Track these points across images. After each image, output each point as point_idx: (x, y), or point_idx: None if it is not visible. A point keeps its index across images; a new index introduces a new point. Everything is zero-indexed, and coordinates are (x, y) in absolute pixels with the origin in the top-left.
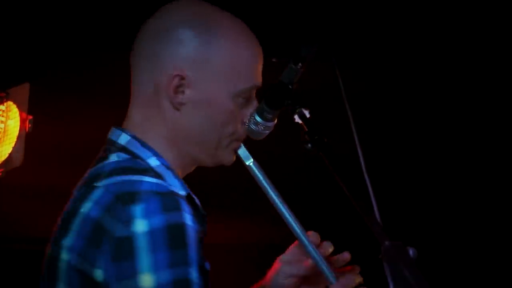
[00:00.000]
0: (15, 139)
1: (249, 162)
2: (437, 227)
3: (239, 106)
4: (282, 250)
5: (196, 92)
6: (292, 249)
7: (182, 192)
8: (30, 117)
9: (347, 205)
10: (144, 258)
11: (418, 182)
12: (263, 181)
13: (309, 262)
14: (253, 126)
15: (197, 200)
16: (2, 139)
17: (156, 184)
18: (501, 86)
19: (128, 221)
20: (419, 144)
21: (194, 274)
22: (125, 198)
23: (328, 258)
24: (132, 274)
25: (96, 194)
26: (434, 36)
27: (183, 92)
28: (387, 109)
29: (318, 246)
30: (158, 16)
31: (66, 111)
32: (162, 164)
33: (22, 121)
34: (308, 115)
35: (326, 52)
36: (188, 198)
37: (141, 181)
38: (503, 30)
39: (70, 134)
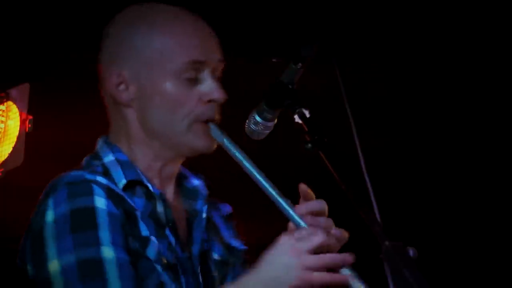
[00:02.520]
0: (15, 139)
1: (221, 139)
2: (437, 227)
3: (186, 86)
4: None
5: (138, 85)
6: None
7: (123, 181)
8: (30, 117)
9: (347, 205)
10: (50, 245)
11: (418, 182)
12: (238, 155)
13: (290, 225)
14: (253, 126)
15: (150, 186)
16: (2, 139)
17: (74, 175)
18: (501, 86)
19: (42, 214)
20: (419, 144)
21: (109, 253)
22: (46, 193)
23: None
24: (43, 262)
25: (40, 198)
26: (434, 36)
27: (127, 89)
28: (387, 109)
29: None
30: (104, 28)
31: (66, 111)
32: (117, 158)
33: (22, 121)
34: (308, 115)
35: (326, 52)
36: (140, 186)
37: (66, 175)
38: (503, 30)
39: (70, 134)
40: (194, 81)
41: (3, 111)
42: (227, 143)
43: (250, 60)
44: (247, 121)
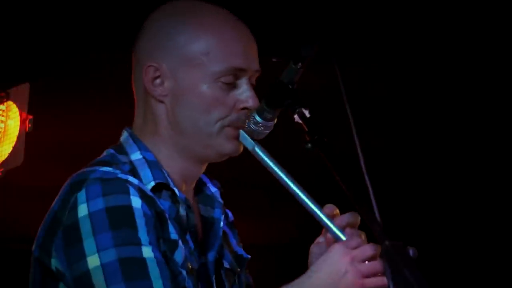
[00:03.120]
0: (15, 139)
1: (252, 146)
2: (437, 227)
3: (224, 90)
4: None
5: (175, 81)
6: (323, 232)
7: (151, 183)
8: (30, 117)
9: (347, 205)
10: (88, 240)
11: (418, 182)
12: (270, 163)
13: (328, 236)
14: (253, 126)
15: (176, 190)
16: (2, 139)
17: (105, 172)
18: (501, 86)
19: (74, 208)
20: (419, 144)
21: (149, 252)
22: (74, 187)
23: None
24: (80, 257)
25: (63, 187)
26: (434, 36)
27: (162, 84)
28: (387, 109)
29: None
30: (147, 17)
31: (66, 111)
32: (144, 157)
33: (22, 121)
34: (308, 115)
35: (326, 52)
36: (166, 189)
37: (94, 170)
38: (503, 30)
39: (70, 134)
40: (231, 86)
41: (3, 111)
42: (258, 150)
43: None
44: (247, 121)
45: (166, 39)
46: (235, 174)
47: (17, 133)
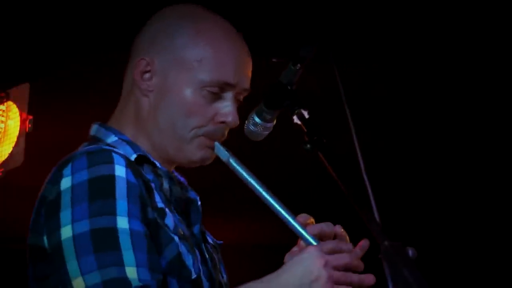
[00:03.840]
0: (15, 139)
1: (227, 158)
2: (437, 227)
3: (207, 100)
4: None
5: (163, 80)
6: (300, 241)
7: (133, 155)
8: (30, 117)
9: (347, 206)
10: (65, 212)
11: (418, 182)
12: (244, 174)
13: (301, 243)
14: (252, 127)
15: (157, 163)
16: (2, 139)
17: (90, 147)
18: (501, 86)
19: (57, 182)
20: (418, 144)
21: (123, 223)
22: (61, 165)
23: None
24: (56, 228)
25: (49, 175)
26: (433, 36)
27: (150, 79)
28: (386, 109)
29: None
30: (153, 16)
31: (66, 111)
32: (120, 138)
33: (22, 121)
34: (307, 116)
35: (325, 53)
36: (147, 163)
37: (81, 149)
38: (503, 30)
39: (70, 134)
40: (215, 97)
41: (3, 111)
42: (232, 162)
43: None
44: (246, 122)
45: (163, 38)
46: (219, 176)
47: (17, 133)
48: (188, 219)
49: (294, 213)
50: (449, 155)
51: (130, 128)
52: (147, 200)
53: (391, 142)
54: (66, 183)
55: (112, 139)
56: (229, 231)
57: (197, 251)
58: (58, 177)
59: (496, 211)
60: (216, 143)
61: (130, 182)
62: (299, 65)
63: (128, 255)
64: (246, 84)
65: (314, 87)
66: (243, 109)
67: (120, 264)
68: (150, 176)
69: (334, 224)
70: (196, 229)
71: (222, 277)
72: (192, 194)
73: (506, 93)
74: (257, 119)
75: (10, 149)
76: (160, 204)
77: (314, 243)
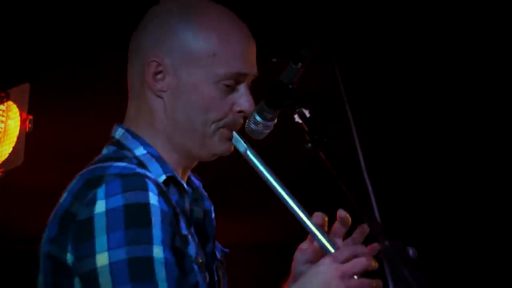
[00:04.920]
0: (15, 139)
1: (244, 149)
2: (437, 227)
3: (223, 92)
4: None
5: (176, 78)
6: (308, 237)
7: (162, 177)
8: (30, 117)
9: (347, 205)
10: (100, 237)
11: (418, 182)
12: (261, 167)
13: (315, 245)
14: (253, 126)
15: (184, 184)
16: (2, 139)
17: (123, 167)
18: (501, 86)
19: (90, 203)
20: (419, 144)
21: (159, 253)
22: (91, 183)
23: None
24: (90, 253)
25: (72, 183)
26: (433, 36)
27: (163, 79)
28: (387, 109)
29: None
30: (148, 10)
31: (66, 111)
32: (149, 152)
33: (22, 121)
34: (308, 115)
35: (326, 52)
36: (173, 183)
37: (110, 166)
38: (503, 30)
39: (70, 134)
40: (231, 89)
41: (3, 111)
42: (250, 153)
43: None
44: (247, 120)
45: (170, 35)
46: (229, 172)
47: (17, 133)
48: (203, 233)
49: (291, 217)
50: (450, 155)
51: (149, 133)
52: (176, 228)
53: (392, 142)
54: (100, 206)
55: (140, 151)
56: (230, 230)
57: (207, 276)
58: (91, 196)
59: (496, 211)
60: (235, 134)
61: (163, 210)
62: (300, 64)
63: (163, 286)
64: (255, 69)
65: (315, 87)
66: None
67: None
68: (174, 197)
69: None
70: (209, 247)
71: None
72: (207, 204)
73: (507, 93)
74: (258, 118)
75: (10, 149)
76: (184, 231)
77: (331, 249)
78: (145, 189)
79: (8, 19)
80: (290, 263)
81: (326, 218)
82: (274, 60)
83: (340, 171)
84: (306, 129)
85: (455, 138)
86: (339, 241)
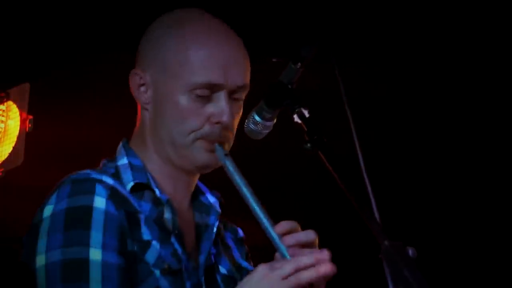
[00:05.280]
0: (15, 139)
1: (223, 160)
2: (437, 227)
3: (198, 102)
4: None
5: (155, 90)
6: None
7: (130, 183)
8: (30, 117)
9: (347, 205)
10: (42, 240)
11: (418, 182)
12: (237, 179)
13: (276, 255)
14: (252, 126)
15: (157, 190)
16: (2, 139)
17: (80, 173)
18: (501, 86)
19: (43, 207)
20: (419, 144)
21: (96, 254)
22: (53, 189)
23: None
24: (33, 255)
25: None
26: (433, 36)
27: (146, 92)
28: (387, 109)
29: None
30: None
31: (66, 111)
32: (130, 162)
33: (22, 121)
34: (307, 115)
35: (326, 52)
36: (146, 189)
37: (75, 173)
38: (503, 30)
39: (70, 134)
40: (207, 99)
41: (3, 111)
42: (229, 165)
43: (250, 60)
44: (246, 120)
45: (151, 49)
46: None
47: (17, 133)
48: (198, 248)
49: (291, 217)
50: (450, 155)
51: (142, 144)
52: (127, 232)
53: (392, 142)
54: (47, 211)
55: (122, 161)
56: None
57: (189, 284)
58: (45, 201)
59: (496, 211)
60: (216, 145)
61: (109, 213)
62: (299, 64)
63: (96, 287)
64: (239, 81)
65: (315, 87)
66: (243, 108)
67: None
68: (147, 205)
69: (335, 223)
70: (201, 258)
71: None
72: (212, 219)
73: (506, 93)
74: (257, 118)
75: (10, 149)
76: (146, 237)
77: (287, 257)
78: (92, 192)
79: (8, 19)
80: None
81: (297, 227)
82: (274, 60)
83: (339, 171)
84: (306, 129)
85: (455, 138)
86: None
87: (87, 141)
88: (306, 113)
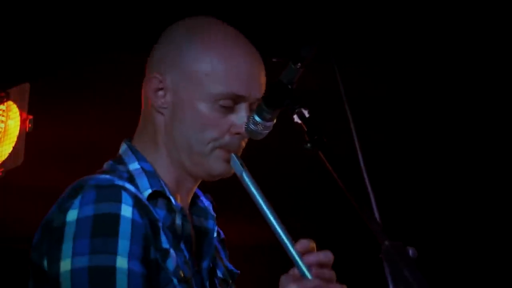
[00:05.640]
0: (15, 139)
1: (240, 173)
2: (437, 227)
3: (220, 112)
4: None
5: (176, 95)
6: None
7: (148, 191)
8: (30, 117)
9: (347, 205)
10: (67, 244)
11: (418, 182)
12: (254, 192)
13: (295, 272)
14: (252, 126)
15: (172, 199)
16: (2, 139)
17: (102, 179)
18: (501, 86)
19: (65, 211)
20: (419, 144)
21: (123, 263)
22: (72, 193)
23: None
24: (57, 259)
25: (62, 194)
26: (433, 36)
27: (164, 95)
28: (387, 109)
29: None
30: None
31: (66, 111)
32: (142, 167)
33: (22, 121)
34: (307, 115)
35: (326, 52)
36: (163, 198)
37: (92, 178)
38: (503, 30)
39: (70, 134)
40: (229, 109)
41: (3, 110)
42: (245, 177)
43: None
44: (246, 121)
45: (173, 53)
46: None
47: (17, 133)
48: (200, 252)
49: (291, 217)
50: (450, 155)
51: (151, 148)
52: (151, 240)
53: (392, 142)
54: (72, 215)
55: (134, 166)
56: (230, 232)
57: None
58: (67, 206)
59: (496, 211)
60: (233, 155)
61: (136, 221)
62: (299, 64)
63: None
64: (259, 93)
65: (315, 87)
66: None
67: None
68: (162, 212)
69: (333, 225)
70: (205, 264)
71: None
72: (210, 223)
73: (507, 93)
74: (257, 118)
75: (10, 149)
76: (165, 245)
77: (308, 276)
78: (118, 200)
79: (8, 19)
80: (288, 264)
81: (314, 245)
82: (274, 60)
83: (339, 171)
84: (306, 129)
85: (455, 138)
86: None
87: (87, 141)
88: (306, 113)
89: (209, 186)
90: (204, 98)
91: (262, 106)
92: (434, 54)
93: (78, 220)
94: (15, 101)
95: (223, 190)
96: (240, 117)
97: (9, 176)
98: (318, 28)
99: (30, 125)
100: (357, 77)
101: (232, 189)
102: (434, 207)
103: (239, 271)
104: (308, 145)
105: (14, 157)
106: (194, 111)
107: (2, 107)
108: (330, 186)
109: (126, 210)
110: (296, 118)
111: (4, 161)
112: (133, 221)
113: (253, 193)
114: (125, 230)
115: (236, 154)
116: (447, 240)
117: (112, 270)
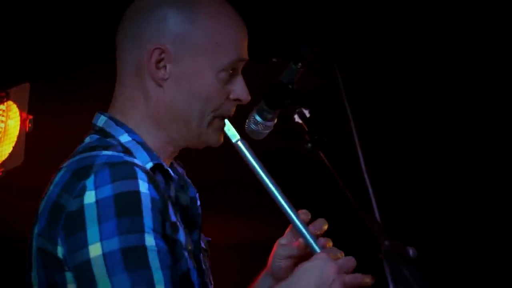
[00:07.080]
0: (15, 139)
1: (236, 140)
2: (437, 227)
3: (223, 81)
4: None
5: (178, 67)
6: (287, 232)
7: (149, 164)
8: (30, 117)
9: (347, 205)
10: (92, 228)
11: (418, 182)
12: (251, 160)
13: (300, 241)
14: (253, 126)
15: (170, 171)
16: (2, 139)
17: (110, 156)
18: (501, 86)
19: (80, 194)
20: (419, 144)
21: (151, 241)
22: (79, 174)
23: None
24: (82, 245)
25: (58, 175)
26: (434, 36)
27: (165, 67)
28: (387, 109)
29: (308, 223)
30: None
31: (66, 111)
32: (134, 139)
33: (22, 121)
34: (308, 115)
35: (326, 52)
36: (160, 170)
37: (97, 156)
38: (503, 30)
39: (70, 134)
40: (229, 77)
41: (3, 110)
42: (241, 144)
43: (250, 60)
44: (247, 120)
45: (173, 24)
46: (223, 171)
47: (17, 133)
48: (190, 221)
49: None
50: (450, 155)
51: (138, 121)
52: (166, 214)
53: (392, 142)
54: (90, 197)
55: (125, 138)
56: (226, 231)
57: (195, 263)
58: (79, 188)
59: (496, 211)
60: (227, 122)
61: (153, 198)
62: (300, 64)
63: (157, 274)
64: (247, 55)
65: (315, 87)
66: (245, 108)
67: (151, 283)
68: (161, 184)
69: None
70: (195, 235)
71: (211, 283)
72: (192, 191)
73: (507, 93)
74: (258, 118)
75: (10, 149)
76: (173, 218)
77: (317, 249)
78: (135, 177)
79: (8, 19)
80: None
81: (310, 216)
82: (274, 60)
83: (340, 171)
84: (306, 129)
85: (455, 138)
86: (321, 240)
87: None
88: (306, 113)
89: (202, 184)
90: (211, 68)
91: (263, 106)
92: (434, 54)
93: (98, 201)
94: (15, 101)
95: (217, 188)
96: (238, 84)
97: (9, 176)
98: (318, 28)
99: (30, 125)
100: (357, 77)
101: (228, 189)
102: (434, 207)
103: (210, 238)
104: (309, 145)
105: (14, 157)
106: (200, 81)
107: (2, 107)
108: (331, 186)
109: (143, 186)
110: (296, 118)
111: (4, 161)
112: (151, 197)
113: (250, 161)
114: (146, 206)
115: (228, 122)
116: (447, 240)
117: (143, 248)
